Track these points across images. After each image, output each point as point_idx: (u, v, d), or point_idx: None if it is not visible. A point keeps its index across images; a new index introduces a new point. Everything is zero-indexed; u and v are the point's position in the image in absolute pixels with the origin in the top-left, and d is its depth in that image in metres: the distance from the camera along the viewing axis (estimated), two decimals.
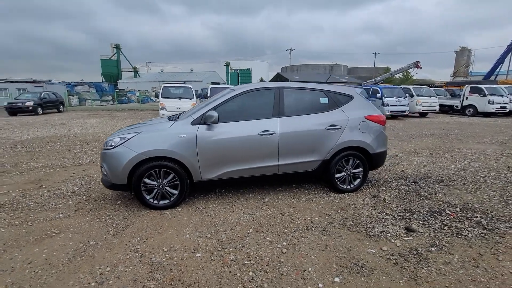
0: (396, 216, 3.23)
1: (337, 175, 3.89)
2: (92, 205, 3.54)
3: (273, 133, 3.53)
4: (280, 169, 3.66)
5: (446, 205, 3.50)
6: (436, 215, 3.24)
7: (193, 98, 11.93)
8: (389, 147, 6.99)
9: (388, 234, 2.82)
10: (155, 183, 3.32)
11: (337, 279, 2.16)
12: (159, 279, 2.15)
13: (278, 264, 2.34)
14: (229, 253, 2.49)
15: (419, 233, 2.85)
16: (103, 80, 53.00)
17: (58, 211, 3.37)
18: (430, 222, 3.08)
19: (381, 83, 26.64)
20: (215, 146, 3.40)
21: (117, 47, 56.22)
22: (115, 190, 3.65)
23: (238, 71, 57.68)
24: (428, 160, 5.79)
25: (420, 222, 3.08)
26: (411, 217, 3.20)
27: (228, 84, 48.79)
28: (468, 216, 3.20)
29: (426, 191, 4.00)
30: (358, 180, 4.01)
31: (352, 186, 3.99)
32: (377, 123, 3.97)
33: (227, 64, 59.30)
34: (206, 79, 49.16)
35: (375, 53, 49.68)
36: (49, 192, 4.01)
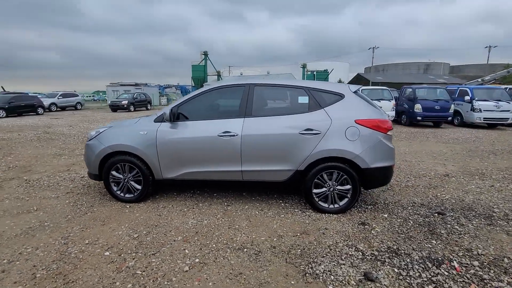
0: (367, 255, 2.40)
1: (316, 191, 3.20)
2: (83, 191, 3.97)
3: (234, 135, 3.17)
4: (244, 176, 3.26)
5: (461, 254, 2.40)
6: (430, 265, 2.24)
7: None
8: (446, 163, 5.44)
9: (331, 277, 2.11)
10: (121, 176, 3.47)
11: None
12: (52, 269, 2.19)
13: (167, 283, 2.05)
14: (133, 258, 2.34)
15: (379, 286, 2.03)
16: (193, 83, 60.49)
17: (55, 192, 3.92)
18: (411, 273, 2.15)
19: (492, 83, 21.10)
20: (174, 145, 3.29)
21: (205, 53, 62.62)
22: (90, 179, 3.93)
23: (315, 73, 56.13)
24: (492, 186, 4.16)
25: (396, 270, 2.19)
26: (387, 260, 2.32)
27: None
28: (487, 276, 2.09)
29: (447, 228, 2.85)
30: (346, 200, 3.19)
31: (336, 206, 3.21)
32: (372, 129, 3.07)
33: (304, 66, 58.34)
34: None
35: (489, 47, 39.83)
36: (69, 175, 4.73)
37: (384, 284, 2.04)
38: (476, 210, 3.33)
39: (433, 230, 2.84)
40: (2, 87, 25.95)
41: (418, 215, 3.20)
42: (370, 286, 2.03)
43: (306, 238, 2.69)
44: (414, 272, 2.16)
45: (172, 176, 3.36)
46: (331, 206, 3.21)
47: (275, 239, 2.67)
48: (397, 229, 2.87)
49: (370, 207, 3.42)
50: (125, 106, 20.26)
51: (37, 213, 3.23)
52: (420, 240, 2.65)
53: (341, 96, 3.21)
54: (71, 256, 2.37)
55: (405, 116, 12.30)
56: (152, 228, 2.88)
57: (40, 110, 17.61)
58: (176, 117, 3.32)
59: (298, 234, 2.76)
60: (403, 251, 2.45)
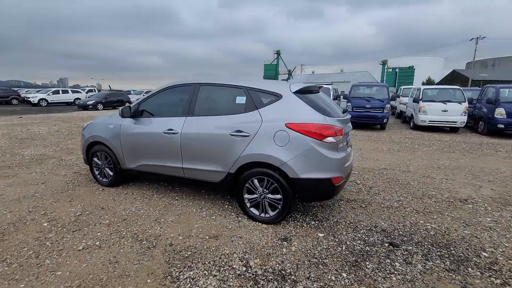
0: (250, 273, 2.17)
1: (248, 196, 3.02)
2: (85, 173, 4.76)
3: (176, 133, 3.27)
4: (185, 173, 3.33)
5: None
6: None
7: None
8: (483, 185, 4.25)
9: (188, 286, 2.01)
10: (99, 162, 4.04)
11: None
12: (0, 228, 2.80)
13: (56, 256, 2.36)
14: (56, 232, 2.75)
15: None
16: None
17: (68, 171, 4.84)
18: None
19: None
20: (132, 138, 3.63)
21: (278, 53, 63.59)
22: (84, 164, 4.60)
23: (397, 70, 49.83)
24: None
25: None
26: (265, 283, 2.05)
27: None
28: None
29: (381, 263, 2.29)
30: (277, 211, 2.90)
31: (267, 216, 2.95)
32: (304, 134, 2.67)
33: (384, 62, 52.44)
34: (355, 79, 46.01)
35: None
36: None
37: None
38: (452, 249, 2.52)
39: (359, 262, 2.33)
40: (109, 86, 32.65)
41: (363, 241, 2.64)
42: None
43: (211, 243, 2.60)
44: None
45: (132, 167, 3.73)
46: (262, 215, 2.98)
47: (180, 238, 2.68)
48: (315, 252, 2.46)
49: (314, 223, 3.00)
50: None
51: (39, 185, 4.10)
52: (328, 270, 2.22)
53: (278, 97, 2.91)
54: (22, 222, 2.97)
55: (482, 123, 9.79)
56: (98, 209, 3.29)
57: (127, 104, 21.41)
58: (137, 113, 3.65)
59: (207, 237, 2.70)
60: (292, 278, 2.12)
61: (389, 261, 2.35)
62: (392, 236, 2.75)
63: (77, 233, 2.75)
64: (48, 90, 23.75)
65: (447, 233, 2.83)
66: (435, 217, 3.19)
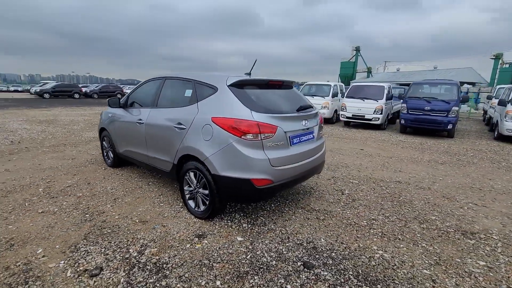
0: (99, 264, 2.21)
1: (187, 188, 3.03)
2: None
3: (142, 123, 3.54)
4: (149, 160, 3.57)
5: None
6: None
7: (328, 96, 11.13)
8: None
9: (35, 261, 2.22)
10: (106, 146, 4.73)
11: None
12: (21, 184, 3.64)
13: (15, 215, 2.93)
14: (39, 196, 3.40)
15: None
16: (339, 80, 58.69)
17: (97, 152, 5.80)
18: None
19: None
20: (118, 126, 4.12)
21: (357, 49, 59.05)
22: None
23: None
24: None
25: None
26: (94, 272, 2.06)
27: (492, 84, 35.67)
28: None
29: (272, 274, 1.96)
30: (205, 206, 2.81)
31: (199, 210, 2.90)
32: (225, 130, 2.50)
33: (497, 56, 42.00)
34: (452, 77, 38.60)
35: None
36: None
37: None
38: (373, 275, 1.95)
39: (248, 275, 2.07)
40: None
41: (277, 255, 2.32)
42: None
43: (136, 226, 2.76)
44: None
45: (121, 151, 4.23)
46: (196, 208, 2.95)
47: (116, 217, 2.93)
48: (214, 254, 2.31)
49: (246, 226, 2.78)
50: None
51: (68, 160, 5.09)
52: (207, 274, 2.06)
53: (214, 90, 2.80)
54: (29, 186, 3.77)
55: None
56: (84, 183, 3.88)
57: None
58: (126, 104, 4.11)
59: (138, 221, 2.86)
60: (165, 273, 2.06)
61: (283, 281, 2.01)
62: (316, 256, 2.32)
63: (52, 199, 3.34)
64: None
65: (395, 268, 2.20)
66: (401, 246, 2.51)
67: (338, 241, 2.58)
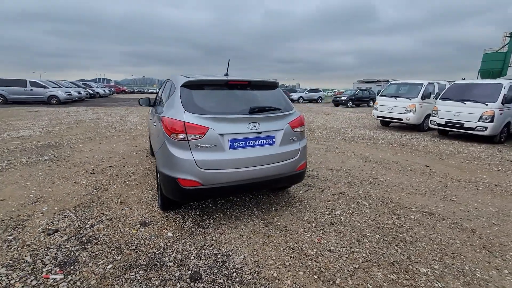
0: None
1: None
2: None
3: (154, 123, 4.08)
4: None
5: None
6: None
7: (416, 97, 8.99)
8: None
9: None
10: None
11: None
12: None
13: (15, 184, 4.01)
14: (78, 165, 4.50)
15: None
16: (478, 77, 45.23)
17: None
18: None
19: None
20: (148, 121, 4.85)
21: (511, 36, 43.85)
22: None
23: None
24: None
25: None
26: None
27: None
28: None
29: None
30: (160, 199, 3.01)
31: (158, 202, 3.12)
32: (163, 128, 2.67)
33: None
34: None
35: None
36: None
37: None
38: None
39: (136, 266, 2.13)
40: (298, 84, 37.54)
41: (197, 260, 2.25)
42: None
43: (112, 204, 3.29)
44: None
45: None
46: (158, 200, 3.19)
47: (101, 195, 3.56)
48: (123, 241, 2.47)
49: (199, 222, 2.80)
50: (343, 101, 21.67)
51: (131, 147, 6.40)
52: (96, 256, 2.26)
53: (174, 90, 2.91)
54: (93, 161, 5.04)
55: None
56: (120, 166, 4.83)
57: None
58: (154, 103, 4.80)
59: (118, 201, 3.38)
60: (60, 242, 2.41)
61: (157, 283, 1.98)
62: (215, 271, 2.11)
63: (90, 175, 4.36)
64: None
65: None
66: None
67: (256, 263, 2.25)
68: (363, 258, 2.32)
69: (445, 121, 7.98)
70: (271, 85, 3.18)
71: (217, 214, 3.09)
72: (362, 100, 22.43)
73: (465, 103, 7.63)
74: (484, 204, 3.49)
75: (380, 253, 2.41)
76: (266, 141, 2.77)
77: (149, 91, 55.20)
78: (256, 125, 2.68)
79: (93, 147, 6.24)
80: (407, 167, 5.08)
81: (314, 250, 2.43)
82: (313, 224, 2.89)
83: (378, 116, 10.05)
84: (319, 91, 29.12)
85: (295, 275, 2.11)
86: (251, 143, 2.69)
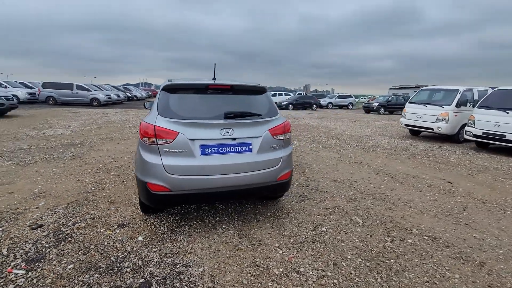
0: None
1: None
2: None
3: None
4: None
5: None
6: None
7: (449, 105, 8.07)
8: None
9: None
10: None
11: None
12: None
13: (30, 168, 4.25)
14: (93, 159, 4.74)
15: None
16: None
17: None
18: None
19: None
20: None
21: None
22: None
23: None
24: None
25: None
26: None
27: None
28: None
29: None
30: None
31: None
32: (139, 132, 2.63)
33: None
34: None
35: None
36: None
37: None
38: None
39: (94, 268, 2.11)
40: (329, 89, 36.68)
41: (140, 268, 2.20)
42: None
43: (101, 203, 3.38)
44: None
45: None
46: None
47: (96, 194, 3.67)
48: (96, 241, 2.48)
49: (173, 227, 2.75)
50: (375, 108, 20.47)
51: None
52: (68, 252, 2.29)
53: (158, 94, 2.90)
54: (104, 160, 5.31)
55: None
56: (126, 166, 5.01)
57: (314, 107, 23.68)
58: None
59: (108, 201, 3.48)
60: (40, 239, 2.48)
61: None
62: (167, 282, 2.02)
63: (95, 173, 4.59)
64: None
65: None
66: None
67: (213, 278, 2.11)
68: (332, 285, 2.06)
69: (483, 132, 7.04)
70: (257, 90, 3.04)
71: (196, 221, 3.01)
72: (396, 107, 20.94)
73: (507, 112, 6.67)
74: (508, 233, 2.94)
75: (355, 281, 2.12)
76: (242, 148, 2.63)
77: None
78: (230, 131, 2.56)
79: (110, 147, 6.60)
80: (424, 183, 4.54)
81: (281, 269, 2.22)
82: (291, 240, 2.67)
83: (405, 125, 9.25)
84: (350, 96, 27.90)
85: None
86: (224, 149, 2.57)
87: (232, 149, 2.60)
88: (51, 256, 2.33)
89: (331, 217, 3.20)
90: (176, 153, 2.47)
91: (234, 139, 2.59)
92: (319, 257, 2.41)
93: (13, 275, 2.07)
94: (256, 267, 2.25)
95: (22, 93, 19.10)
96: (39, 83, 20.94)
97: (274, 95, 30.62)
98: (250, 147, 2.66)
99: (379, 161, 5.91)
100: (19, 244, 2.48)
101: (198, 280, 2.09)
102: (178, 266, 2.25)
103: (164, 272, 2.16)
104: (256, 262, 2.32)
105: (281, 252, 2.47)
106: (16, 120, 10.71)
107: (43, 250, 2.41)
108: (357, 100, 30.90)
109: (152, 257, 2.35)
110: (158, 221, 2.98)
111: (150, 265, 2.25)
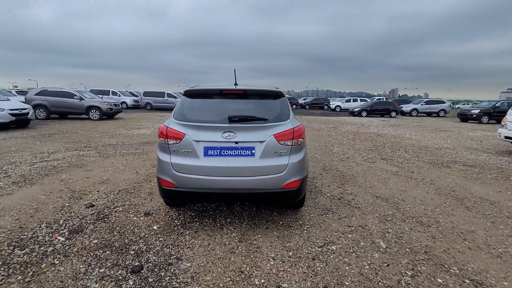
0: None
1: None
2: None
3: None
4: None
5: None
6: None
7: None
8: None
9: None
10: None
11: None
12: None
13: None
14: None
15: None
16: None
17: None
18: None
19: None
20: None
21: None
22: None
23: None
24: None
25: None
26: None
27: None
28: None
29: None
30: None
31: None
32: None
33: None
34: None
35: None
36: None
37: None
38: None
39: (112, 247, 2.48)
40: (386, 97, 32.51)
41: (143, 256, 2.45)
42: None
43: (135, 198, 3.91)
44: None
45: None
46: None
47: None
48: (128, 227, 2.87)
49: (184, 222, 2.97)
50: (475, 116, 16.72)
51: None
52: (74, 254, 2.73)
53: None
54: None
55: None
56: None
57: (393, 114, 21.05)
58: None
59: (145, 196, 3.98)
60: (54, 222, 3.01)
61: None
62: (156, 270, 2.18)
63: (147, 167, 5.33)
64: (343, 98, 30.03)
65: None
66: None
67: (195, 274, 2.17)
68: None
69: None
70: (272, 94, 2.99)
71: (208, 219, 3.15)
72: (500, 114, 16.50)
73: None
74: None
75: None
76: (244, 152, 2.63)
77: None
78: (232, 135, 2.60)
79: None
80: (504, 212, 3.48)
81: (262, 281, 2.12)
82: (290, 253, 2.49)
83: (506, 137, 7.24)
84: (442, 102, 23.52)
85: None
86: (227, 152, 2.63)
87: (235, 152, 2.64)
88: (87, 230, 2.86)
89: (350, 236, 2.83)
90: (182, 153, 2.68)
91: (237, 142, 2.62)
92: (311, 276, 2.19)
93: (57, 241, 2.65)
94: (240, 273, 2.21)
95: (129, 100, 23.76)
96: (141, 92, 25.63)
97: (348, 100, 28.78)
98: (253, 151, 2.64)
99: (448, 180, 4.84)
100: (72, 218, 3.14)
101: (182, 273, 2.21)
102: (171, 257, 2.42)
103: (158, 261, 2.37)
104: (242, 268, 2.28)
105: (272, 263, 2.35)
106: (118, 122, 13.41)
107: (85, 225, 2.98)
108: (456, 106, 25.70)
109: (155, 246, 2.60)
110: (177, 214, 3.26)
111: (151, 252, 2.50)
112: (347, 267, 2.32)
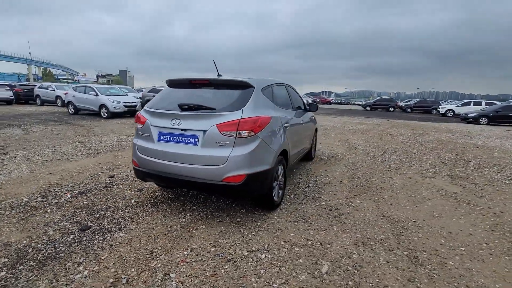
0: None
1: None
2: None
3: None
4: None
5: None
6: None
7: None
8: None
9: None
10: None
11: None
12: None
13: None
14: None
15: None
16: None
17: None
18: None
19: None
20: None
21: None
22: None
23: None
24: None
25: None
26: None
27: None
28: None
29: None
30: None
31: None
32: None
33: None
34: None
35: None
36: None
37: None
38: None
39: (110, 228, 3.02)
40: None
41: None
42: None
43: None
44: None
45: None
46: None
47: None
48: (125, 197, 3.38)
49: (173, 215, 3.27)
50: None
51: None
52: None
53: None
54: None
55: None
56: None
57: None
58: None
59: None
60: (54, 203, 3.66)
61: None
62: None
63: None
64: (459, 101, 23.88)
65: None
66: None
67: (116, 244, 2.36)
68: None
69: None
70: (240, 85, 2.86)
71: (177, 203, 3.32)
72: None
73: None
74: None
75: None
76: (189, 140, 2.64)
77: (356, 102, 55.47)
78: (178, 122, 2.66)
79: None
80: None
81: (159, 265, 2.10)
82: (213, 249, 2.34)
83: None
84: None
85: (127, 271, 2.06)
86: (175, 139, 2.71)
87: (182, 139, 2.69)
88: (89, 194, 3.55)
89: (296, 249, 2.39)
90: (143, 136, 2.94)
91: (185, 130, 2.67)
92: (207, 276, 2.01)
93: (65, 197, 3.42)
94: (150, 253, 2.28)
95: None
96: None
97: (466, 104, 22.63)
98: (196, 139, 2.62)
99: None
100: (91, 183, 3.94)
101: (109, 240, 2.46)
102: (116, 226, 2.72)
103: (105, 226, 2.72)
104: (155, 249, 2.33)
105: (186, 253, 2.29)
106: None
107: (92, 190, 3.70)
108: None
109: (117, 215, 2.98)
110: (159, 193, 3.59)
111: (109, 219, 2.88)
112: (254, 279, 2.00)
